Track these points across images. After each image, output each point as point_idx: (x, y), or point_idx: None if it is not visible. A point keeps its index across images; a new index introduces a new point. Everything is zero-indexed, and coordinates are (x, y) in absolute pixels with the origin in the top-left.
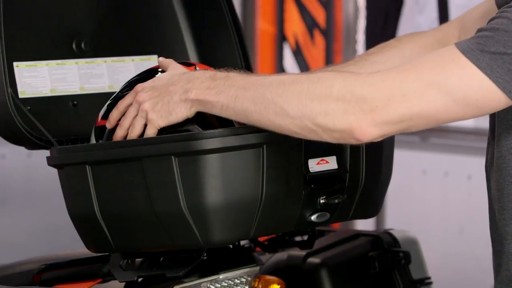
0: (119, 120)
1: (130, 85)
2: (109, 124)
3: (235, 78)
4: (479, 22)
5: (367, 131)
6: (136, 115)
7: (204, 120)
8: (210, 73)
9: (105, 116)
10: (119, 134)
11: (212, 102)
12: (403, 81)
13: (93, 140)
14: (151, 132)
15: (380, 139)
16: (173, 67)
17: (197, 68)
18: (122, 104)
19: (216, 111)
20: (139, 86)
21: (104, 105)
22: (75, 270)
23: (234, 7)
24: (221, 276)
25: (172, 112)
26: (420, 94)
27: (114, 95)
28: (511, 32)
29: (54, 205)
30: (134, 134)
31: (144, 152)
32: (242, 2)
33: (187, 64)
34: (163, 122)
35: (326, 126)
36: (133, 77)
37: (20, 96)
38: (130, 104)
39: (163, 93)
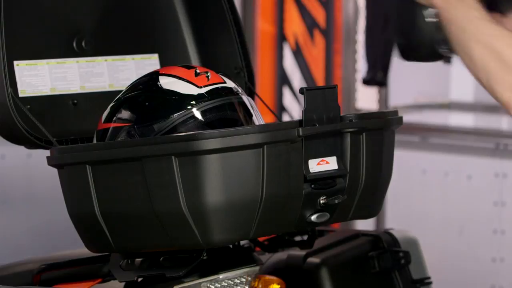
0: None
1: (132, 89)
2: None
3: (464, 5)
4: None
5: None
6: None
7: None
8: None
9: (108, 119)
10: None
11: (441, 12)
12: None
13: None
14: None
15: None
16: None
17: (198, 70)
18: None
19: (441, 16)
20: None
21: (105, 106)
22: (75, 270)
23: (235, 6)
24: (221, 276)
25: None
26: None
27: (117, 97)
28: None
29: (54, 205)
30: None
31: (144, 152)
32: (242, 2)
33: (187, 67)
34: None
35: (493, 91)
36: (135, 80)
37: (20, 95)
38: None
39: None
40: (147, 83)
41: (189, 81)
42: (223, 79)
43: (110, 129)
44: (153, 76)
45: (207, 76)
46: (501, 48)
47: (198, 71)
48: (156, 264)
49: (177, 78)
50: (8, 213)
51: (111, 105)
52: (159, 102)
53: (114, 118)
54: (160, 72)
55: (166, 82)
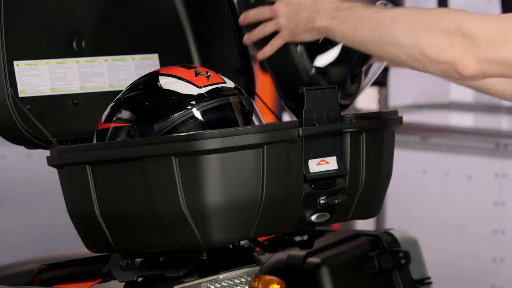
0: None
1: (132, 89)
2: (244, 20)
3: (357, 9)
4: None
5: (469, 65)
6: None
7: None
8: (335, 3)
9: (108, 119)
10: (252, 35)
11: (334, 31)
12: (510, 25)
13: None
14: (278, 41)
15: (479, 78)
16: None
17: (198, 70)
18: (258, 10)
19: (337, 39)
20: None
21: (105, 106)
22: (75, 270)
23: (235, 6)
24: (221, 276)
25: (298, 36)
26: None
27: (117, 97)
28: None
29: (54, 205)
30: (264, 31)
31: (144, 152)
32: None
33: (187, 67)
34: (290, 39)
35: (432, 57)
36: (135, 80)
37: (20, 95)
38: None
39: (295, 16)
40: (147, 83)
41: (189, 81)
42: (223, 79)
43: (110, 129)
44: (153, 76)
45: (207, 76)
46: (419, 18)
47: (198, 71)
48: (156, 264)
49: (177, 78)
50: (8, 213)
51: (111, 105)
52: (159, 102)
53: (114, 118)
54: (160, 72)
55: (166, 82)
